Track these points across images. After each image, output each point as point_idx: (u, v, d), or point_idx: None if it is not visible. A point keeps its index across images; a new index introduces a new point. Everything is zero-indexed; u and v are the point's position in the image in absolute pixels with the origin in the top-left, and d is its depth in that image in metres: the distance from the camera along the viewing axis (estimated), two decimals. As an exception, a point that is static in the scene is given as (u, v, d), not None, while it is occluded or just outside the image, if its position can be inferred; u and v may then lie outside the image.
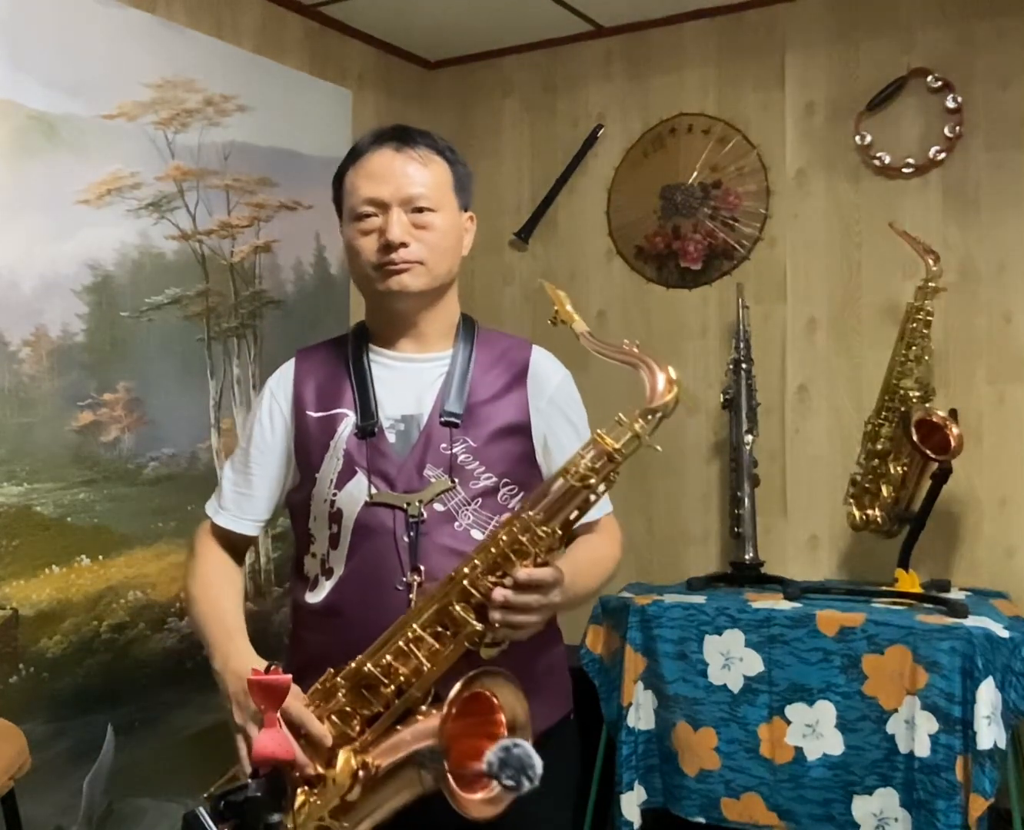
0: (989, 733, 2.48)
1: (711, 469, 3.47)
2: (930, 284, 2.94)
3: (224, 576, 1.76)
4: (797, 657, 2.76)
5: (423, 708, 1.48)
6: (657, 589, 3.06)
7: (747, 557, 3.14)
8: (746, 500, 3.16)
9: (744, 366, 3.20)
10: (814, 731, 2.73)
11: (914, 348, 2.94)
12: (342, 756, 1.47)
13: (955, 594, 2.92)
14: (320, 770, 1.47)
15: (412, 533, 1.61)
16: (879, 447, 2.97)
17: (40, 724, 2.47)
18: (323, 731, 1.49)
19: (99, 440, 2.66)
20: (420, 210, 1.66)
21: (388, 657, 1.49)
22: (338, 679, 1.52)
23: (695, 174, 3.49)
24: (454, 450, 1.64)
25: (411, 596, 1.58)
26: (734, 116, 3.44)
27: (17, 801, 2.09)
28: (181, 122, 2.86)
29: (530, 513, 1.48)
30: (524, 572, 1.46)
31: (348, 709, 1.51)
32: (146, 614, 2.74)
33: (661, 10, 3.45)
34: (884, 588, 2.91)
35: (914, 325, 2.95)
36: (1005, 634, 2.60)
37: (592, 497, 1.49)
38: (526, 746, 1.37)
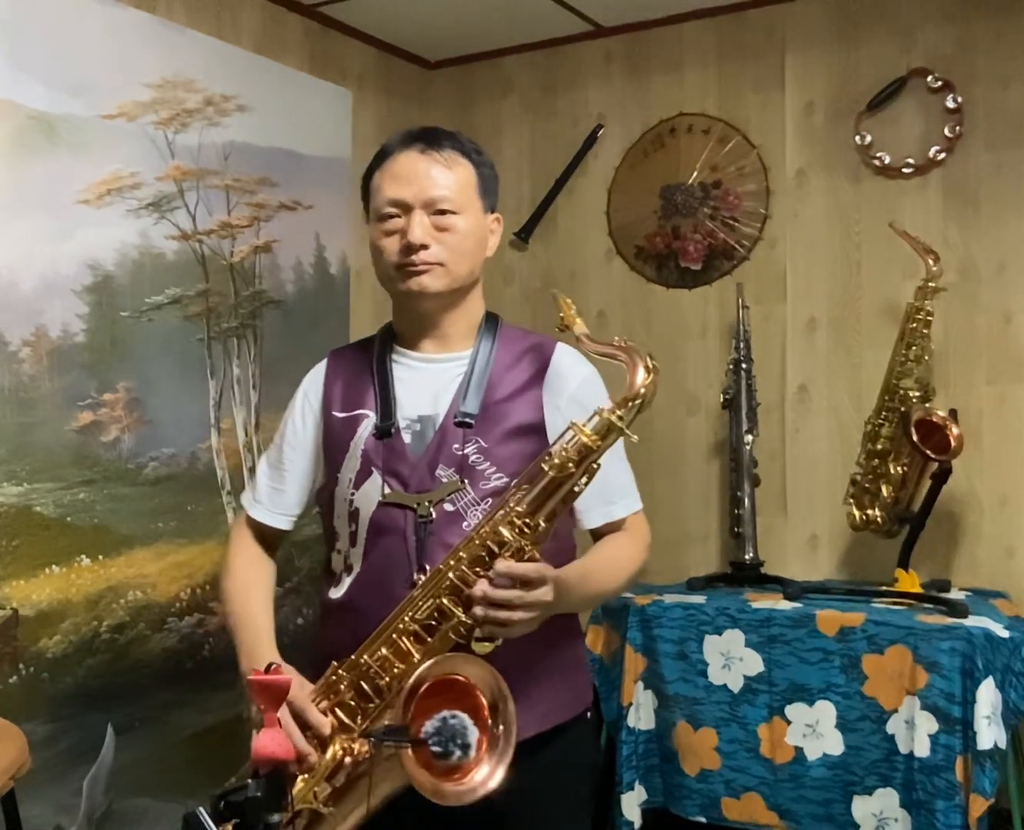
0: (989, 733, 2.48)
1: (711, 469, 3.47)
2: (930, 284, 2.94)
3: (255, 573, 1.80)
4: (797, 657, 2.76)
5: None
6: (657, 589, 3.06)
7: (747, 557, 3.14)
8: (746, 500, 3.16)
9: (744, 366, 3.21)
10: (814, 731, 2.73)
11: (914, 348, 2.94)
12: (334, 743, 1.52)
13: (955, 594, 2.92)
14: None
15: (420, 532, 1.63)
16: (879, 447, 2.97)
17: (40, 724, 2.47)
18: (322, 720, 1.53)
19: (99, 440, 2.66)
20: (443, 212, 1.68)
21: (383, 649, 1.54)
22: (340, 672, 1.57)
23: (695, 174, 3.49)
24: (465, 450, 1.65)
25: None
26: (734, 116, 3.44)
27: (17, 801, 2.09)
28: (181, 122, 2.86)
29: (512, 505, 1.50)
30: (503, 565, 1.48)
31: (351, 701, 1.55)
32: (146, 614, 2.74)
33: (661, 10, 3.46)
34: (884, 588, 2.91)
35: (914, 325, 2.95)
36: (1005, 634, 2.60)
37: (576, 488, 1.50)
38: (464, 719, 1.39)
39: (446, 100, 3.88)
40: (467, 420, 1.67)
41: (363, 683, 1.54)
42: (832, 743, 2.71)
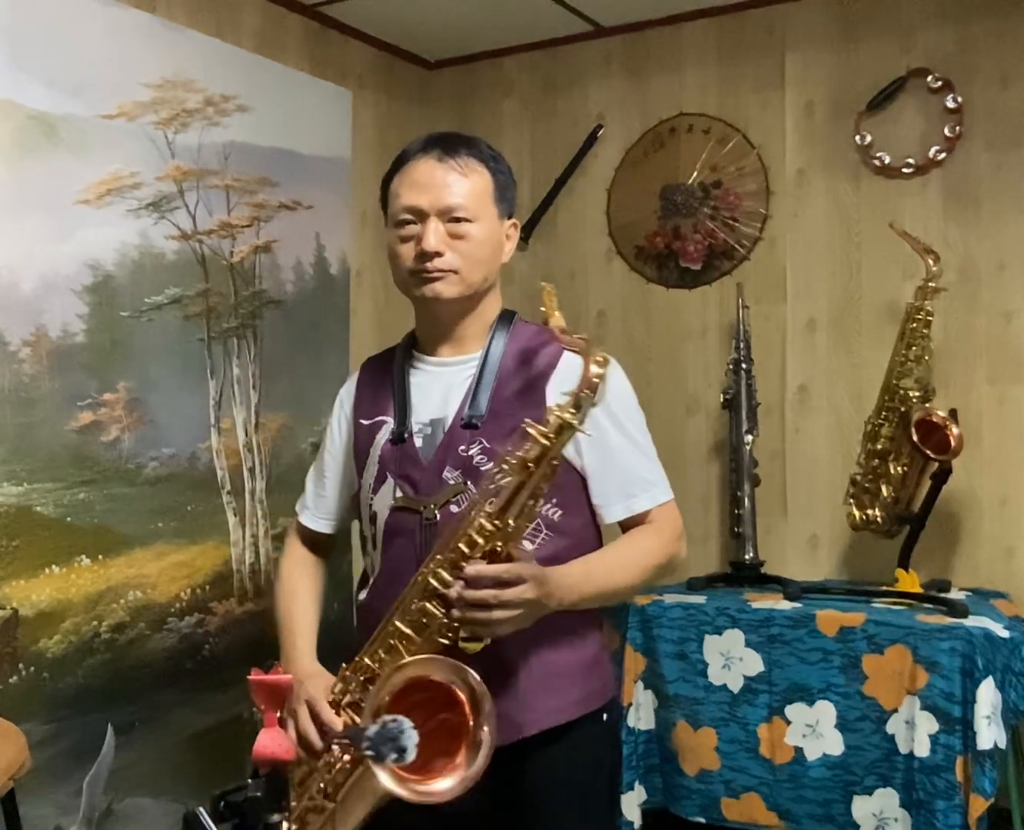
0: (989, 733, 2.48)
1: (711, 469, 3.47)
2: (930, 284, 2.94)
3: (300, 577, 1.88)
4: (797, 657, 2.76)
5: None
6: (657, 589, 3.05)
7: (747, 557, 3.14)
8: (746, 500, 3.16)
9: (744, 366, 3.21)
10: (814, 731, 2.73)
11: (914, 348, 2.94)
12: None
13: (955, 594, 2.91)
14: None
15: (426, 535, 1.65)
16: (879, 447, 2.97)
17: (40, 724, 2.47)
18: (334, 720, 1.57)
19: (99, 440, 2.66)
20: (458, 220, 1.69)
21: (380, 652, 1.58)
22: (347, 673, 1.62)
23: (695, 174, 3.49)
24: (470, 451, 1.67)
25: None
26: (734, 116, 3.44)
27: (17, 801, 2.09)
28: (181, 122, 2.86)
29: (481, 507, 1.52)
30: (472, 569, 1.50)
31: (360, 700, 1.58)
32: (146, 614, 2.74)
33: (661, 10, 3.46)
34: (884, 588, 2.91)
35: (914, 325, 2.95)
36: (1005, 634, 2.60)
37: (541, 486, 1.52)
38: (404, 723, 1.40)
39: (446, 100, 3.87)
40: (473, 421, 1.68)
41: (367, 684, 1.58)
42: (832, 743, 2.71)
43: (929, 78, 3.14)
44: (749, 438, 3.17)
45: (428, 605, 1.54)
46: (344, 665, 1.62)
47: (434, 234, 1.67)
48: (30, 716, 2.42)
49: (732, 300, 3.32)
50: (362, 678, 1.59)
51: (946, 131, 3.12)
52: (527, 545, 1.63)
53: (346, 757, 1.55)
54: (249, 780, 1.42)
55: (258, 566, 3.07)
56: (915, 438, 2.85)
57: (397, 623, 1.56)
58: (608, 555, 1.72)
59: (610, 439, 1.70)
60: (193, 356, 2.91)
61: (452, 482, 1.66)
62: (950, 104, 3.11)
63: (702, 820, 2.86)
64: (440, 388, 1.74)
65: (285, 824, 1.40)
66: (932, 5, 3.16)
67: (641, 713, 2.91)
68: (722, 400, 3.25)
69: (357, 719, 1.57)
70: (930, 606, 2.78)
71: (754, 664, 2.81)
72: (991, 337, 3.10)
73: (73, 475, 2.60)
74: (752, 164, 3.41)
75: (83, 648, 2.59)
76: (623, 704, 2.90)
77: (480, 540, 1.52)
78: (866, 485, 2.99)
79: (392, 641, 1.56)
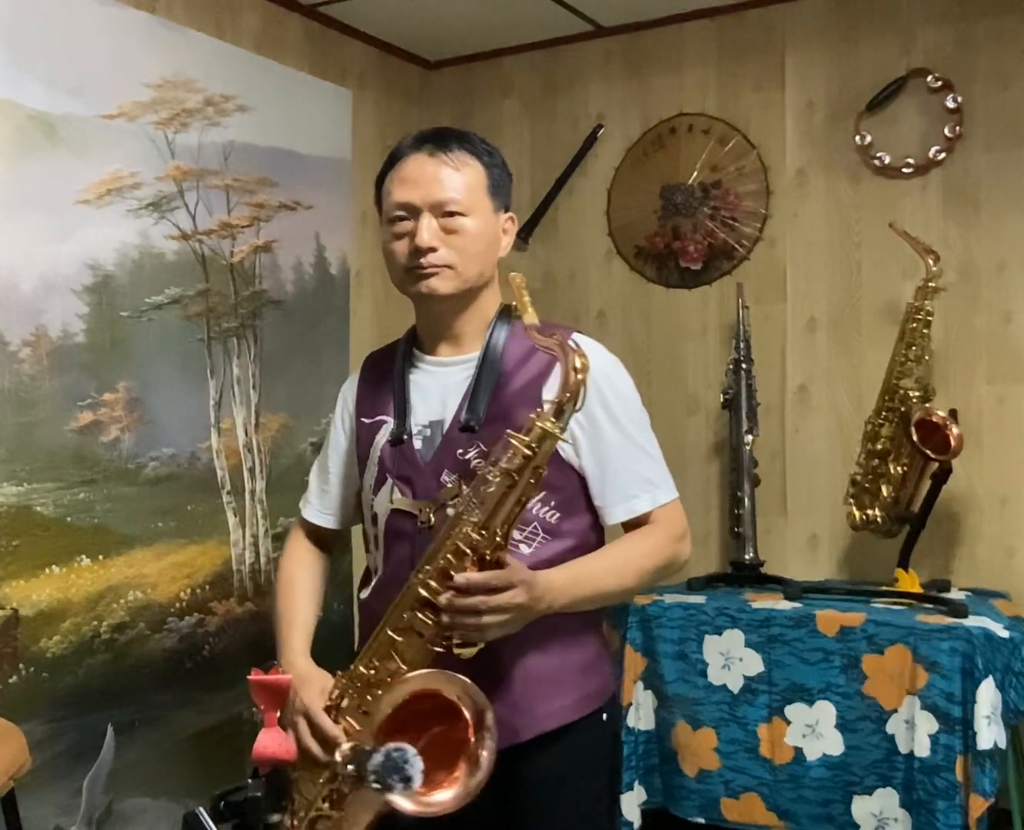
0: (989, 733, 2.48)
1: (711, 469, 3.47)
2: (930, 284, 2.94)
3: (300, 573, 1.86)
4: (797, 657, 2.76)
5: None
6: (657, 589, 3.05)
7: (747, 557, 3.14)
8: (746, 500, 3.16)
9: (744, 366, 3.21)
10: (814, 731, 2.73)
11: (914, 348, 2.94)
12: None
13: (955, 594, 2.92)
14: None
15: (421, 540, 1.63)
16: (879, 447, 2.97)
17: (40, 724, 2.47)
18: (334, 730, 1.54)
19: (99, 440, 2.66)
20: (451, 214, 1.67)
21: (375, 659, 1.56)
22: (343, 680, 1.59)
23: (695, 174, 3.49)
24: (468, 455, 1.65)
25: None
26: (734, 116, 3.44)
27: (17, 801, 2.09)
28: (181, 122, 2.85)
29: (465, 516, 1.51)
30: (460, 578, 1.49)
31: (357, 706, 1.56)
32: (146, 614, 2.74)
33: (661, 10, 3.46)
34: (884, 588, 2.91)
35: (914, 325, 2.95)
36: (1005, 634, 2.60)
37: (527, 495, 1.50)
38: (408, 752, 1.40)
39: (446, 100, 3.87)
40: (471, 424, 1.66)
41: (365, 693, 1.56)
42: (832, 743, 2.71)
43: (929, 78, 3.14)
44: (749, 438, 3.17)
45: (419, 615, 1.52)
46: (340, 673, 1.60)
47: (427, 229, 1.66)
48: (30, 716, 2.42)
49: (732, 300, 3.32)
50: (359, 684, 1.57)
51: (946, 131, 3.12)
52: (524, 549, 1.63)
53: (350, 768, 1.53)
54: (249, 780, 1.43)
55: (258, 566, 3.07)
56: (915, 438, 2.85)
57: (389, 632, 1.55)
58: (602, 558, 1.70)
59: (609, 439, 1.68)
60: (193, 356, 2.91)
61: (450, 485, 1.65)
62: (950, 104, 3.11)
63: (702, 820, 2.86)
64: (439, 389, 1.73)
65: (288, 824, 1.40)
66: (932, 5, 3.16)
67: (641, 713, 2.91)
68: (722, 400, 3.25)
69: (356, 725, 1.54)
70: (930, 606, 2.78)
71: (754, 664, 2.81)
72: (991, 337, 3.10)
73: (73, 475, 2.60)
74: (752, 164, 3.41)
75: (83, 648, 2.59)
76: (622, 703, 2.90)
77: (468, 550, 1.50)
78: (866, 485, 2.99)
79: (386, 649, 1.55)
